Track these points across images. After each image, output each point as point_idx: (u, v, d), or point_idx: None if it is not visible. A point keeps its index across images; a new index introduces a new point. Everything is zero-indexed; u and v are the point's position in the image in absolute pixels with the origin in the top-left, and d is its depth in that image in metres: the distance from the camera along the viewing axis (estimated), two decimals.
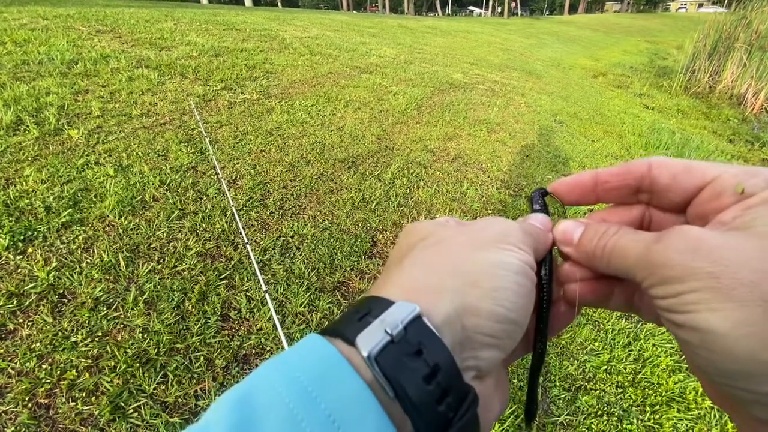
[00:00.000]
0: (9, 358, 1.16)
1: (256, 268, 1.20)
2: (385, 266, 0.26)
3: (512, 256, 0.22)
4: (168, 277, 1.50)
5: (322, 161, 2.48)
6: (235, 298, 1.49)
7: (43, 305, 1.30)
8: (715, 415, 1.37)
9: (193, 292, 1.46)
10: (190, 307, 1.41)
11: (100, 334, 1.26)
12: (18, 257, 1.44)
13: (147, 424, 1.09)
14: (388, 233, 2.01)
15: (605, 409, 1.37)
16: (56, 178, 1.84)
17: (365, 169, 2.51)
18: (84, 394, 1.11)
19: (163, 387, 1.18)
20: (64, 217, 1.63)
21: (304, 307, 1.52)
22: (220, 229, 1.77)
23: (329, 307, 1.54)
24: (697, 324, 0.17)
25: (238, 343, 1.35)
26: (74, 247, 1.53)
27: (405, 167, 2.62)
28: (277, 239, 1.80)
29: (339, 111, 3.26)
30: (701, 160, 0.22)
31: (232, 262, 1.62)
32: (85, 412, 1.08)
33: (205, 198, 1.95)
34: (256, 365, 1.32)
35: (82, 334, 1.24)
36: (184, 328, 1.35)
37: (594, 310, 1.77)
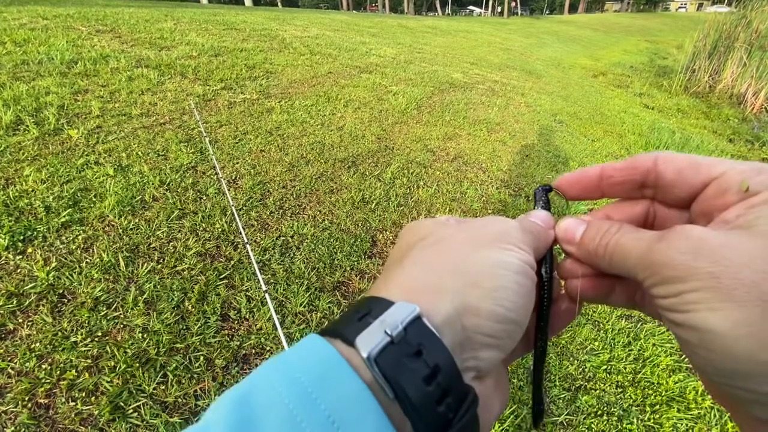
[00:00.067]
0: (9, 358, 1.16)
1: (256, 268, 1.20)
2: (385, 266, 0.26)
3: (512, 255, 0.22)
4: (168, 277, 1.50)
5: (322, 161, 2.48)
6: (235, 298, 1.49)
7: (43, 305, 1.30)
8: (715, 415, 1.37)
9: (192, 291, 1.46)
10: (189, 307, 1.41)
11: (99, 334, 1.26)
12: (18, 257, 1.44)
13: (147, 424, 1.09)
14: (388, 233, 2.01)
15: (605, 408, 1.37)
16: (56, 177, 1.84)
17: (365, 169, 2.51)
18: (84, 394, 1.11)
19: (163, 387, 1.18)
20: (64, 217, 1.63)
21: (304, 306, 1.52)
22: (219, 229, 1.77)
23: (329, 307, 1.54)
24: (697, 323, 0.17)
25: (238, 342, 1.35)
26: (74, 247, 1.52)
27: (405, 167, 2.62)
28: (276, 239, 1.80)
29: (339, 111, 3.26)
30: (707, 156, 0.22)
31: (232, 262, 1.62)
32: (84, 412, 1.08)
33: (204, 198, 1.94)
34: (256, 365, 1.32)
35: (81, 334, 1.24)
36: (184, 328, 1.35)
37: (594, 310, 1.77)
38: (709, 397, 1.40)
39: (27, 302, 1.30)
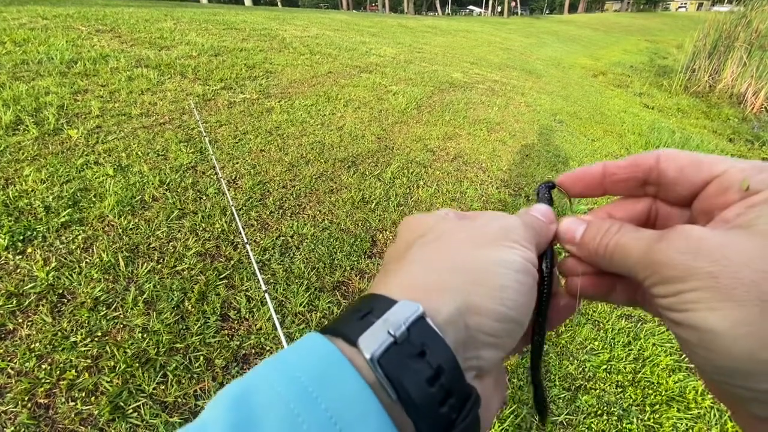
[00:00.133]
0: (8, 358, 1.16)
1: (256, 268, 1.20)
2: (384, 262, 0.26)
3: (515, 253, 0.22)
4: (167, 277, 1.50)
5: (322, 161, 2.48)
6: (235, 298, 1.49)
7: (43, 305, 1.30)
8: (714, 415, 1.37)
9: (192, 291, 1.46)
10: (189, 307, 1.41)
11: (99, 334, 1.26)
12: (17, 257, 1.44)
13: (146, 424, 1.09)
14: (387, 233, 2.01)
15: (605, 408, 1.37)
16: (56, 177, 1.84)
17: (365, 169, 2.51)
18: (83, 394, 1.11)
19: (163, 387, 1.18)
20: (64, 216, 1.62)
21: (304, 306, 1.52)
22: (219, 229, 1.77)
23: (329, 307, 1.54)
24: (696, 323, 0.17)
25: (238, 342, 1.35)
26: (74, 246, 1.52)
27: (405, 167, 2.62)
28: (276, 239, 1.80)
29: (339, 110, 3.26)
30: (709, 154, 0.22)
31: (232, 262, 1.62)
32: (84, 412, 1.08)
33: (204, 198, 1.94)
34: (256, 365, 1.31)
35: (81, 334, 1.24)
36: (184, 327, 1.35)
37: (594, 310, 1.76)
38: (709, 396, 1.40)
39: (27, 302, 1.30)
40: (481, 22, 17.96)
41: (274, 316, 1.05)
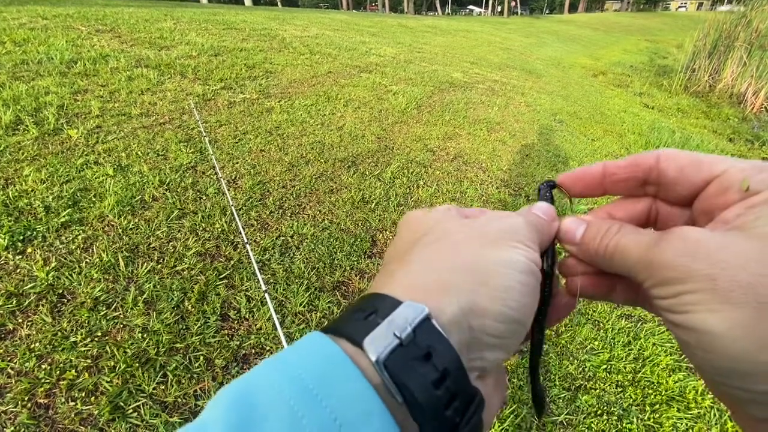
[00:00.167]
0: (8, 358, 1.16)
1: (256, 268, 1.20)
2: (385, 261, 0.25)
3: (519, 253, 0.22)
4: (167, 277, 1.50)
5: (322, 161, 2.48)
6: (235, 298, 1.49)
7: (43, 305, 1.30)
8: (714, 415, 1.37)
9: (192, 291, 1.46)
10: (189, 307, 1.41)
11: (99, 334, 1.26)
12: (17, 257, 1.44)
13: (146, 424, 1.09)
14: (387, 233, 2.01)
15: (605, 408, 1.37)
16: (55, 177, 1.84)
17: (365, 169, 2.51)
18: (83, 394, 1.11)
19: (163, 387, 1.18)
20: (64, 216, 1.62)
21: (304, 306, 1.52)
22: (219, 229, 1.77)
23: (329, 307, 1.54)
24: (695, 324, 0.17)
25: (238, 342, 1.35)
26: (73, 246, 1.52)
27: (405, 166, 2.62)
28: (276, 239, 1.80)
29: (339, 110, 3.26)
30: (710, 154, 0.22)
31: (232, 262, 1.62)
32: (84, 412, 1.08)
33: (204, 198, 1.94)
34: (256, 365, 1.32)
35: (81, 334, 1.24)
36: (184, 327, 1.35)
37: (594, 310, 1.76)
38: (709, 396, 1.40)
39: (26, 302, 1.30)
40: (481, 21, 17.96)
41: (274, 316, 1.05)
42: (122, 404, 1.11)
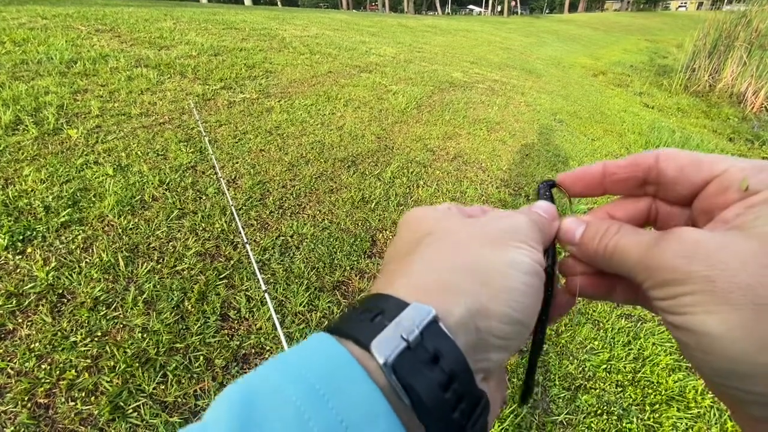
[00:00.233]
0: (8, 358, 1.16)
1: (256, 268, 1.20)
2: (386, 260, 0.25)
3: (524, 254, 0.22)
4: (167, 277, 1.50)
5: (322, 160, 2.48)
6: (235, 298, 1.49)
7: (43, 305, 1.30)
8: (714, 414, 1.37)
9: (192, 291, 1.46)
10: (189, 307, 1.41)
11: (99, 333, 1.26)
12: (17, 257, 1.44)
13: (146, 424, 1.09)
14: (387, 232, 2.01)
15: (605, 408, 1.37)
16: (55, 177, 1.84)
17: (365, 169, 2.51)
18: (83, 394, 1.11)
19: (163, 387, 1.18)
20: (63, 216, 1.62)
21: (304, 306, 1.52)
22: (219, 229, 1.77)
23: (329, 307, 1.54)
24: (694, 326, 0.17)
25: (238, 342, 1.35)
26: (73, 246, 1.52)
27: (405, 166, 2.62)
28: (276, 239, 1.80)
29: (338, 110, 3.26)
30: (709, 153, 0.22)
31: (232, 262, 1.62)
32: (84, 411, 1.08)
33: (204, 197, 1.94)
34: (256, 365, 1.32)
35: (81, 334, 1.24)
36: (184, 327, 1.35)
37: (594, 309, 1.77)
38: (709, 395, 1.40)
39: (26, 302, 1.30)
40: (481, 21, 17.95)
41: (274, 315, 1.05)
42: (122, 404, 1.11)
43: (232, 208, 1.48)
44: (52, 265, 1.43)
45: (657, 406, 1.40)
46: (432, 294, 0.20)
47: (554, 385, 1.43)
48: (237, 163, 2.28)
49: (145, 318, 1.33)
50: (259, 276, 1.19)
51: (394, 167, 2.57)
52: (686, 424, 1.34)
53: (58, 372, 1.14)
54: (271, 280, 1.60)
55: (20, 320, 1.26)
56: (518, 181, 2.76)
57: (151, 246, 1.61)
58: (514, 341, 0.21)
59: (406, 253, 0.23)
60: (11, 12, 4.16)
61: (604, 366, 1.51)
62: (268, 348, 1.36)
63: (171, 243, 1.65)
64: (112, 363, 1.19)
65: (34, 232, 1.54)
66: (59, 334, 1.23)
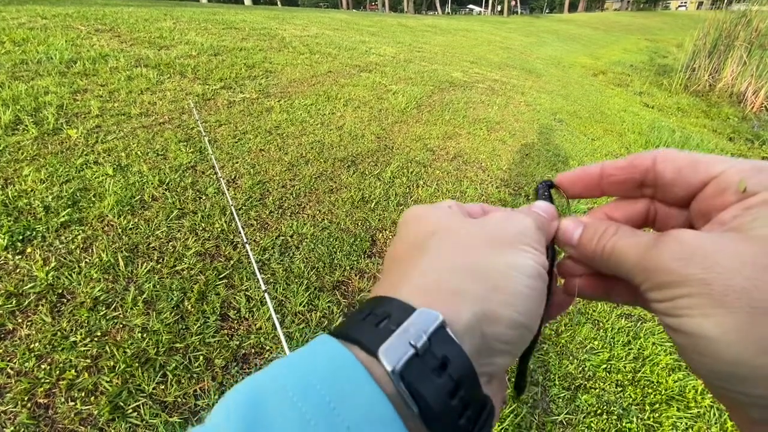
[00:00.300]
0: (8, 358, 1.16)
1: (256, 268, 1.20)
2: (387, 260, 0.25)
3: (529, 257, 0.22)
4: (167, 277, 1.50)
5: (322, 160, 2.48)
6: (235, 298, 1.49)
7: (42, 305, 1.30)
8: (714, 414, 1.37)
9: (192, 291, 1.46)
10: (189, 307, 1.41)
11: (99, 333, 1.26)
12: (17, 257, 1.44)
13: (146, 424, 1.09)
14: (387, 232, 2.00)
15: (605, 407, 1.37)
16: (55, 177, 1.84)
17: (365, 168, 2.51)
18: (83, 394, 1.11)
19: (163, 387, 1.18)
20: (63, 216, 1.62)
21: (304, 306, 1.52)
22: (219, 229, 1.76)
23: (329, 307, 1.54)
24: (690, 329, 0.17)
25: (238, 342, 1.35)
26: (73, 246, 1.52)
27: (404, 166, 2.62)
28: (276, 238, 1.80)
29: (338, 110, 3.26)
30: (708, 154, 0.22)
31: (232, 262, 1.62)
32: (84, 411, 1.08)
33: (204, 197, 1.94)
34: (256, 365, 1.32)
35: (81, 334, 1.24)
36: (184, 327, 1.35)
37: (594, 309, 1.76)
38: (709, 395, 1.40)
39: (26, 302, 1.30)
40: (480, 21, 17.94)
41: (274, 315, 1.05)
42: (122, 404, 1.11)
43: (232, 208, 1.48)
44: (52, 265, 1.43)
45: (657, 405, 1.40)
46: (438, 298, 0.20)
47: (554, 384, 1.43)
48: (237, 162, 2.28)
49: (145, 318, 1.33)
50: (259, 276, 1.19)
51: (393, 167, 2.57)
52: (686, 423, 1.34)
53: (57, 372, 1.14)
54: (271, 280, 1.60)
55: (20, 320, 1.26)
56: (518, 180, 2.76)
57: (150, 246, 1.61)
58: (518, 345, 0.21)
59: (409, 254, 0.23)
60: (11, 12, 4.16)
61: (604, 366, 1.51)
62: (267, 348, 1.35)
63: (171, 243, 1.65)
64: (112, 363, 1.19)
65: (34, 232, 1.54)
66: (59, 334, 1.23)
